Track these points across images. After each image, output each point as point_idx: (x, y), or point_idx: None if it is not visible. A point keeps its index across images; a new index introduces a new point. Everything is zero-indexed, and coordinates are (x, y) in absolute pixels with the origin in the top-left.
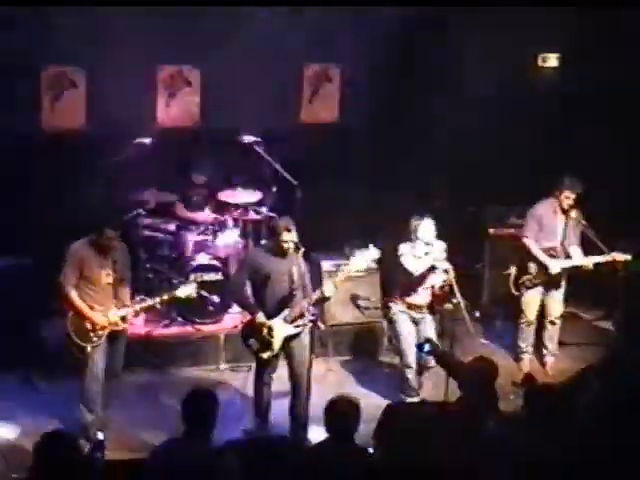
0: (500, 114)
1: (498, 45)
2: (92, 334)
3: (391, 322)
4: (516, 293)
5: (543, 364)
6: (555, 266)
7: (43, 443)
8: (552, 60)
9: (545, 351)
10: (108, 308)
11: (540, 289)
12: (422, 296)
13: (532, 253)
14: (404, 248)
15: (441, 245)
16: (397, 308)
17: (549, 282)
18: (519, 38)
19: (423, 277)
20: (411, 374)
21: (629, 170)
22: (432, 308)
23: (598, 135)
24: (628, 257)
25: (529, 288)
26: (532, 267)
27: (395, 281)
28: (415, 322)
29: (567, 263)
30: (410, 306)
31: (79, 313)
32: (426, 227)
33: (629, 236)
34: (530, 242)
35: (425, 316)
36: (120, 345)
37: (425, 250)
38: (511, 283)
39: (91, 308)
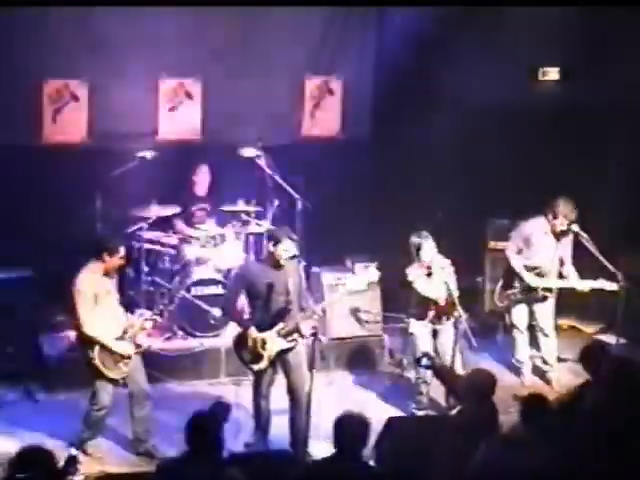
0: (501, 128)
1: (498, 60)
2: (121, 364)
3: (411, 337)
4: (500, 304)
5: (547, 381)
6: (536, 282)
7: (16, 458)
8: (553, 74)
9: (546, 367)
10: (120, 331)
11: (526, 302)
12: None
13: (513, 269)
14: (413, 274)
15: (443, 260)
16: (417, 323)
17: (533, 298)
18: (519, 52)
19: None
20: (425, 388)
21: (630, 183)
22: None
23: (599, 149)
24: (615, 287)
25: (513, 302)
26: (516, 282)
27: (410, 300)
28: (434, 334)
29: (550, 283)
30: (430, 319)
31: (105, 347)
32: (426, 247)
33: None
34: (511, 256)
35: (444, 326)
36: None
37: (429, 270)
38: (495, 295)
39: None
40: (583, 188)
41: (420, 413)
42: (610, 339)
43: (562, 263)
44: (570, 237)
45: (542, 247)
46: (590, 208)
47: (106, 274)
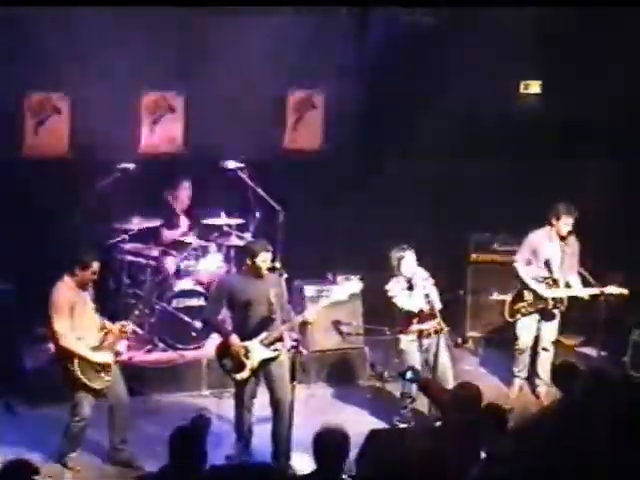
0: (483, 142)
1: (480, 74)
2: (103, 374)
3: (401, 353)
4: (510, 320)
5: (536, 394)
6: (545, 293)
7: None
8: (534, 87)
9: (538, 380)
10: (98, 340)
11: (535, 316)
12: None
13: (521, 279)
14: (393, 289)
15: (423, 273)
16: (407, 339)
17: (544, 310)
18: (501, 66)
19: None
20: (409, 402)
21: (612, 197)
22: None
23: (581, 163)
24: (624, 291)
25: (524, 315)
26: (527, 294)
27: (396, 316)
28: (426, 350)
29: (560, 292)
30: (420, 334)
31: (84, 358)
32: (407, 261)
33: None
34: (519, 267)
35: (434, 341)
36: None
37: (410, 283)
38: (506, 310)
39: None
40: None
41: (402, 425)
42: (591, 352)
43: (568, 272)
44: (576, 247)
45: (549, 256)
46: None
47: (80, 287)
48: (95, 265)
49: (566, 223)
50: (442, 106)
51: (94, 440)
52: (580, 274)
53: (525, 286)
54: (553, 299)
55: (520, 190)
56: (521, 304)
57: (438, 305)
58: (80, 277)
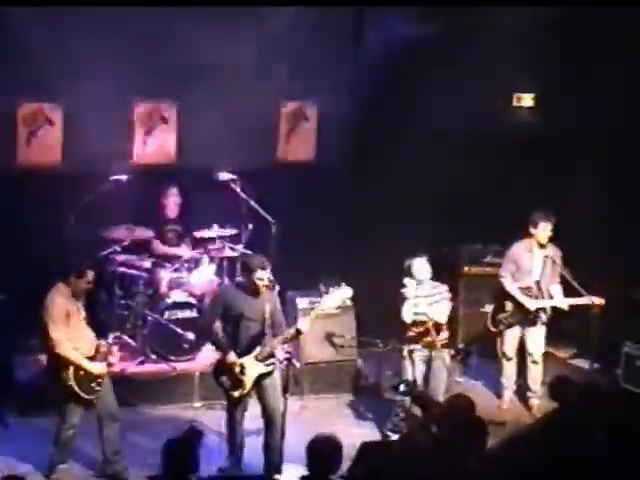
0: (475, 155)
1: (473, 87)
2: (94, 384)
3: (402, 359)
4: (493, 329)
5: (529, 407)
6: (532, 305)
7: None
8: (527, 100)
9: (530, 393)
10: (91, 351)
11: (518, 327)
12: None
13: (509, 292)
14: (407, 292)
15: (442, 287)
16: (409, 349)
17: (526, 321)
18: (493, 79)
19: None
20: (403, 412)
21: (601, 211)
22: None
23: (572, 177)
24: (601, 301)
25: (507, 326)
26: (509, 305)
27: (401, 326)
28: (428, 362)
29: (543, 303)
30: (425, 345)
31: (79, 367)
32: (419, 264)
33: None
34: (506, 281)
35: (437, 354)
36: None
37: (416, 291)
38: (488, 320)
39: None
40: (555, 216)
41: (395, 436)
42: (583, 364)
43: (549, 282)
44: (558, 257)
45: (529, 267)
46: (563, 236)
47: (73, 296)
48: (90, 275)
49: (544, 229)
50: (435, 120)
51: (86, 452)
52: (567, 283)
53: (507, 297)
54: (536, 309)
55: (513, 203)
56: (503, 315)
57: (443, 319)
58: (75, 285)
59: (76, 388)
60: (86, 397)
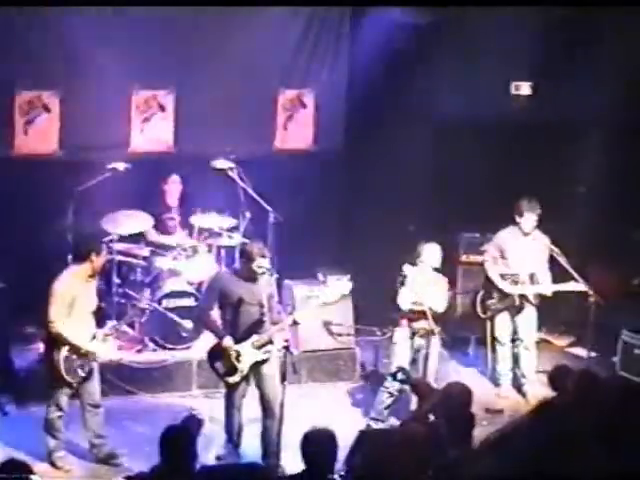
0: (473, 143)
1: (470, 75)
2: (80, 370)
3: (392, 346)
4: (482, 316)
5: (523, 393)
6: (512, 290)
7: None
8: (525, 88)
9: (523, 379)
10: (90, 336)
11: (508, 313)
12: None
13: (489, 277)
14: (410, 272)
15: (442, 278)
16: (401, 335)
17: (513, 307)
18: (491, 67)
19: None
20: (388, 400)
21: (601, 199)
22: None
23: (571, 164)
24: (584, 288)
25: (494, 312)
26: (495, 292)
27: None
28: (418, 349)
29: (525, 289)
30: (416, 331)
31: (74, 348)
32: (431, 253)
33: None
34: (488, 266)
35: (426, 341)
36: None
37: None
38: (477, 306)
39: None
40: (554, 203)
41: (378, 425)
42: (581, 352)
43: (536, 269)
44: (543, 243)
45: (516, 254)
46: (561, 223)
47: (92, 276)
48: (100, 257)
49: (528, 219)
50: (432, 106)
51: (83, 442)
52: (564, 269)
53: (493, 284)
54: (520, 296)
55: (509, 190)
56: (490, 301)
57: (441, 308)
58: (96, 263)
59: (62, 368)
60: (68, 379)
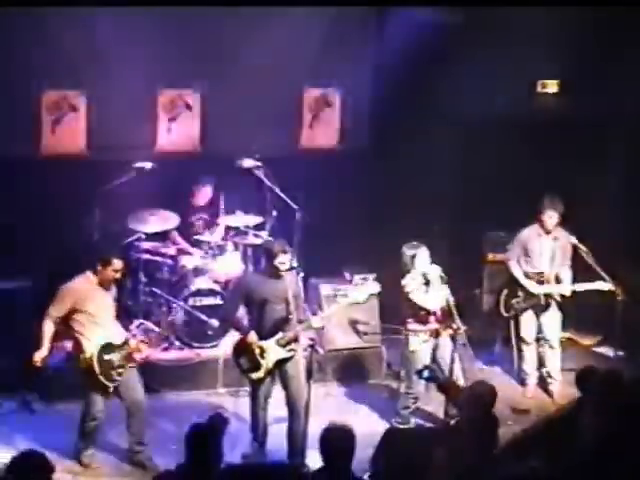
0: (499, 141)
1: (497, 73)
2: (114, 373)
3: (408, 348)
4: (505, 314)
5: (549, 393)
6: (535, 289)
7: (12, 463)
8: (552, 86)
9: (549, 379)
10: (117, 341)
11: (533, 312)
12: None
13: (514, 276)
14: (409, 284)
15: (437, 269)
16: (417, 340)
17: (538, 306)
18: (518, 65)
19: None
20: (413, 404)
21: (629, 198)
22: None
23: (598, 163)
24: (611, 287)
25: (519, 311)
26: (520, 290)
27: (408, 313)
28: (434, 349)
29: (548, 288)
30: (431, 333)
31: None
32: (421, 257)
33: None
34: (512, 265)
35: (440, 341)
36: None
37: (425, 279)
38: (501, 305)
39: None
40: (582, 202)
41: (401, 427)
42: (608, 351)
43: (559, 267)
44: (567, 242)
45: (539, 252)
46: (589, 222)
47: (100, 285)
48: (117, 263)
49: (550, 217)
50: (458, 105)
51: (110, 438)
52: (591, 268)
53: (518, 283)
54: (545, 295)
55: (537, 189)
56: (515, 300)
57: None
58: (101, 275)
59: (97, 371)
60: (106, 383)
